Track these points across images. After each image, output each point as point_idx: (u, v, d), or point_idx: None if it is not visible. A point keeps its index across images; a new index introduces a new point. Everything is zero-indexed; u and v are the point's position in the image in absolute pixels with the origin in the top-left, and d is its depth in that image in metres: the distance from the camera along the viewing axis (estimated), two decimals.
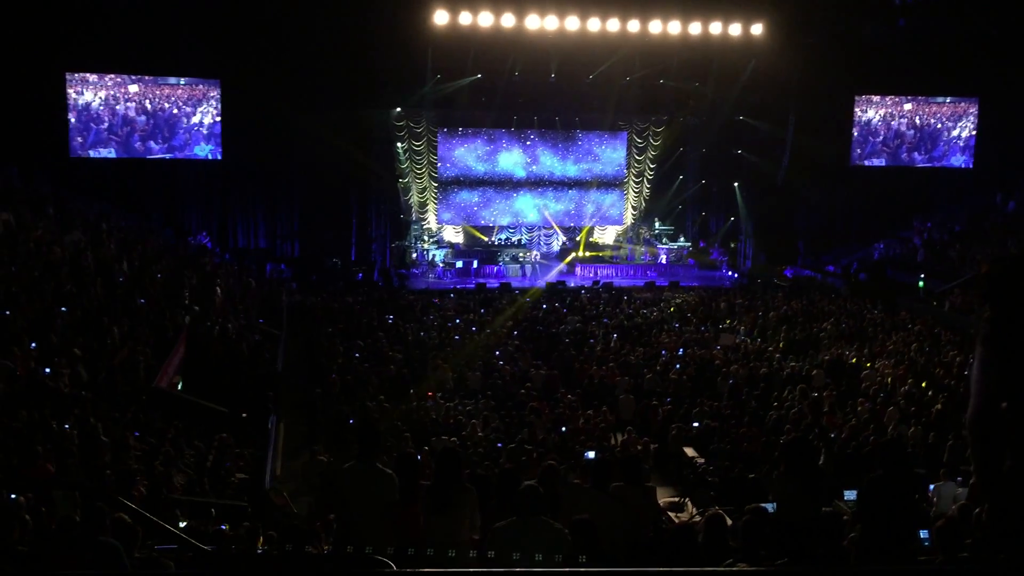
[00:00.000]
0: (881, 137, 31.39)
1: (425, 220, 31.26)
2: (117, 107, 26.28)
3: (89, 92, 26.01)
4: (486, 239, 31.47)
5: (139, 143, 26.69)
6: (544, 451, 11.69)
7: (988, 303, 2.99)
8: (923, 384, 15.85)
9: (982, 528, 5.86)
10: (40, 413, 9.72)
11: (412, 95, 28.93)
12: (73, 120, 25.84)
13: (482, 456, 11.65)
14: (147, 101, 26.68)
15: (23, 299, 13.17)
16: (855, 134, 31.20)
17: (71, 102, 25.77)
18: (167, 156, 27.09)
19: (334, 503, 5.91)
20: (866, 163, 31.52)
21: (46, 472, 8.04)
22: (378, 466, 5.59)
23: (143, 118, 26.58)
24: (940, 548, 5.55)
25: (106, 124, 26.18)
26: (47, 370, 11.16)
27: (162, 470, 9.60)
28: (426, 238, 30.82)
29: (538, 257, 30.32)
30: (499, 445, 12.57)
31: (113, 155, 26.38)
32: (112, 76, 26.16)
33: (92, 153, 26.14)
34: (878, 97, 31.25)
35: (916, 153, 31.63)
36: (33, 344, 11.75)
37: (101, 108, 26.08)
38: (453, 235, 31.89)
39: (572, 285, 27.14)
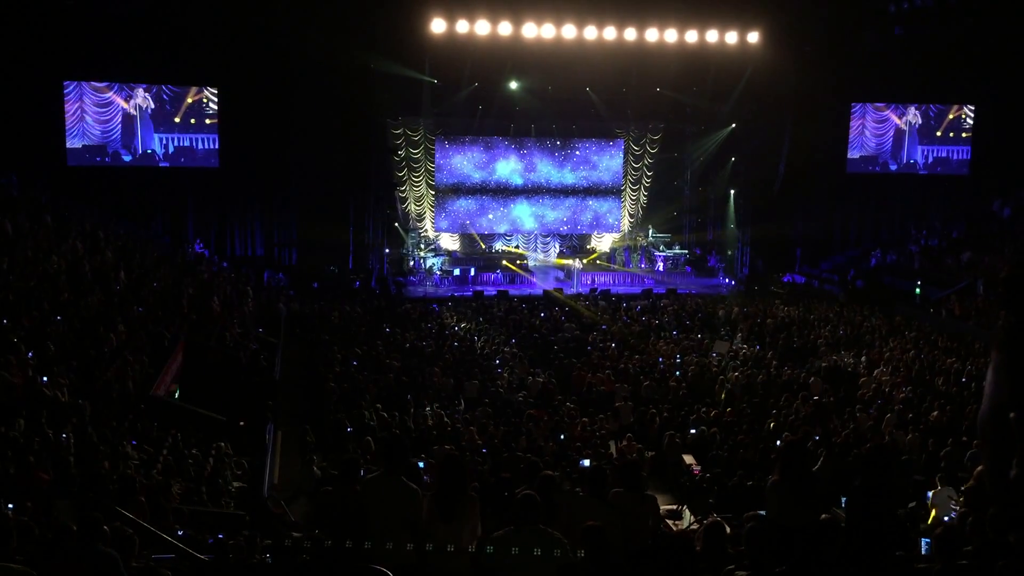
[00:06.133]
0: (877, 144, 31.46)
1: (422, 228, 31.26)
2: (115, 115, 26.28)
3: (87, 100, 26.02)
4: (484, 247, 31.51)
5: (137, 151, 26.70)
6: (537, 460, 11.59)
7: (1005, 308, 2.91)
8: (920, 391, 15.85)
9: (981, 535, 5.85)
10: (37, 421, 9.69)
11: (410, 103, 28.96)
12: (71, 128, 25.84)
13: (479, 464, 11.61)
14: (145, 109, 26.70)
15: (20, 308, 13.14)
16: (851, 141, 31.27)
17: (69, 110, 25.77)
18: (165, 164, 27.09)
19: (345, 518, 5.64)
20: (862, 170, 31.57)
21: (41, 481, 8.01)
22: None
23: (141, 126, 26.58)
24: (939, 556, 5.53)
25: (104, 132, 26.19)
26: (44, 379, 11.13)
27: (160, 479, 9.57)
28: (423, 246, 30.82)
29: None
30: (484, 451, 12.51)
31: (110, 163, 26.37)
32: (110, 84, 26.20)
33: (90, 161, 26.12)
34: (874, 104, 31.34)
35: (912, 160, 31.69)
36: (30, 353, 11.72)
37: (99, 116, 26.08)
38: (450, 243, 31.89)
39: (570, 292, 27.18)
